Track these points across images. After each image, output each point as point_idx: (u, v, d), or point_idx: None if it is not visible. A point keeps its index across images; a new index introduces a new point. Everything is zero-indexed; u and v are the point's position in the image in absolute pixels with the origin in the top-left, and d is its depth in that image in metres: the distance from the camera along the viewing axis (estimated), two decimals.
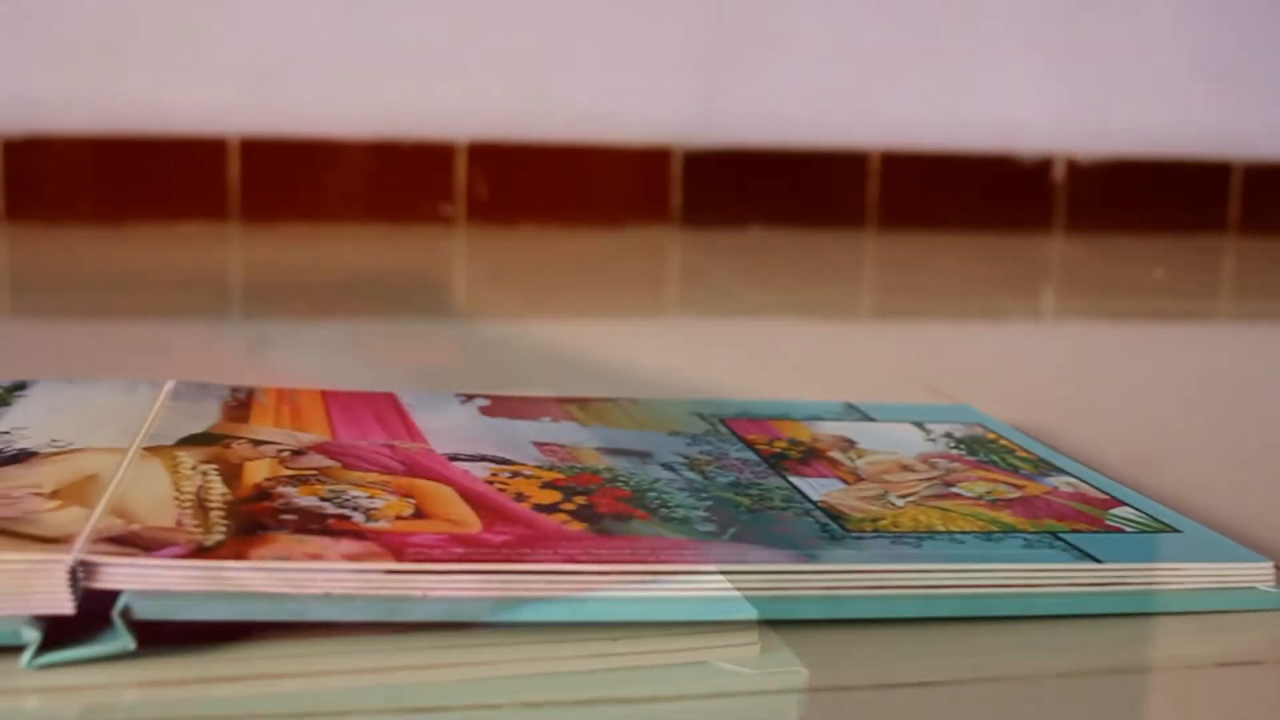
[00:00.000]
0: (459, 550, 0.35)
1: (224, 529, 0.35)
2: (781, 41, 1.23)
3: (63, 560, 0.32)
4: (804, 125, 1.23)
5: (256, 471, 0.41)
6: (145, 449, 0.42)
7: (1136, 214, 1.30)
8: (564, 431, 0.48)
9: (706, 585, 0.35)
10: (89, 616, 0.32)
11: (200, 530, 0.35)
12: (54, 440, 0.42)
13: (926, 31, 1.25)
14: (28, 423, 0.44)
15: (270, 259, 1.05)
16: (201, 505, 0.37)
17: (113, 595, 0.33)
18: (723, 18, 1.21)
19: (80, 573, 0.32)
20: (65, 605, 0.32)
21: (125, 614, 0.32)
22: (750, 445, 0.48)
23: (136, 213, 1.16)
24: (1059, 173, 1.28)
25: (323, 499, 0.38)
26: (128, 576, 0.33)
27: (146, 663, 0.32)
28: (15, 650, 0.32)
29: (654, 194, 1.21)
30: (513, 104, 1.19)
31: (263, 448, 0.43)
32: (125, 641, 0.32)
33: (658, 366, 0.71)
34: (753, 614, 0.35)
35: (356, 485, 0.40)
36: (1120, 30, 1.29)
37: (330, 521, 0.37)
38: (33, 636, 0.32)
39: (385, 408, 0.50)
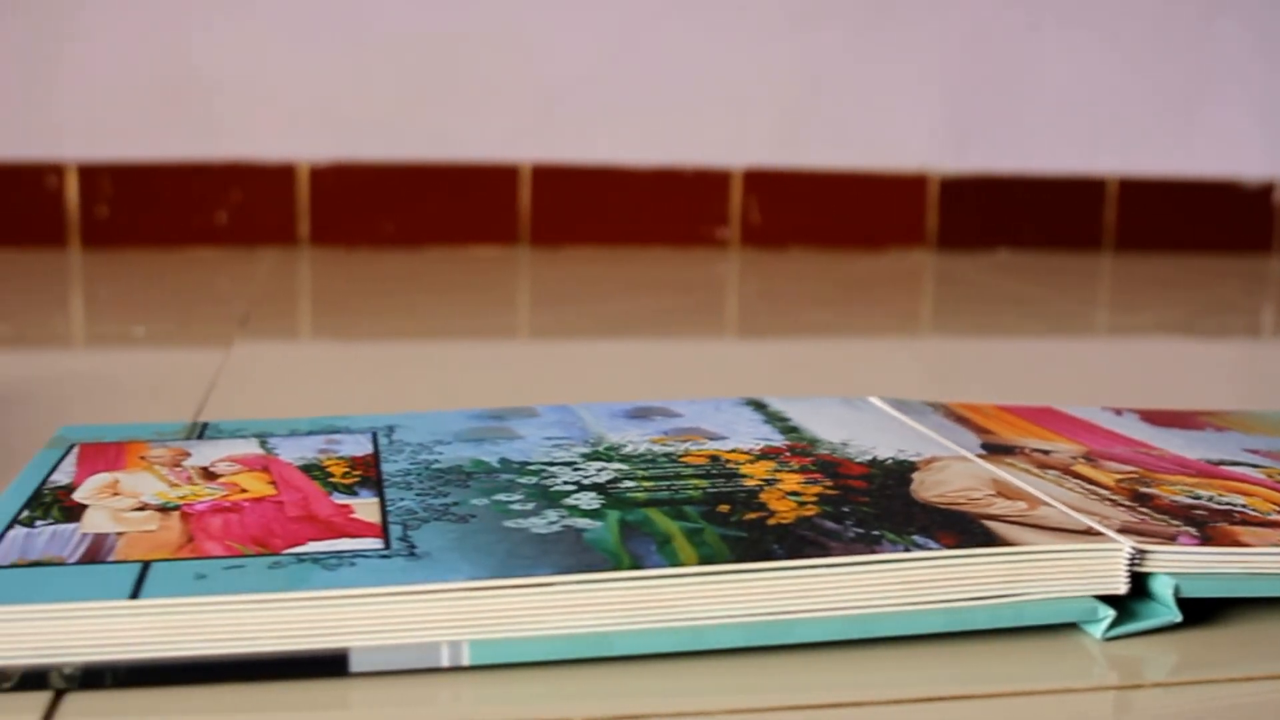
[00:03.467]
0: None
1: (1180, 521, 0.41)
2: (1027, 75, 1.30)
3: (1122, 549, 0.38)
4: (1047, 154, 1.31)
5: (1094, 474, 0.47)
6: (977, 455, 0.48)
7: None
8: (1251, 441, 0.54)
9: None
10: None
11: (1163, 522, 0.41)
12: (901, 450, 0.48)
13: (1158, 67, 1.33)
14: (846, 437, 0.50)
15: (561, 279, 1.10)
16: (1111, 502, 0.43)
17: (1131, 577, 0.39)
18: (975, 54, 1.28)
19: (1137, 559, 0.38)
20: (1120, 586, 0.38)
21: (1175, 593, 0.38)
22: None
23: (432, 237, 1.21)
24: None
25: (1192, 497, 0.44)
26: (1170, 561, 0.39)
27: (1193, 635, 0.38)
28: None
29: (912, 219, 1.28)
30: (782, 133, 1.26)
31: (1052, 455, 0.49)
32: (1174, 615, 0.38)
33: (1077, 382, 0.78)
34: None
35: (1191, 486, 0.46)
36: None
37: (1237, 515, 0.43)
38: (1109, 614, 0.38)
39: (1067, 417, 0.56)
